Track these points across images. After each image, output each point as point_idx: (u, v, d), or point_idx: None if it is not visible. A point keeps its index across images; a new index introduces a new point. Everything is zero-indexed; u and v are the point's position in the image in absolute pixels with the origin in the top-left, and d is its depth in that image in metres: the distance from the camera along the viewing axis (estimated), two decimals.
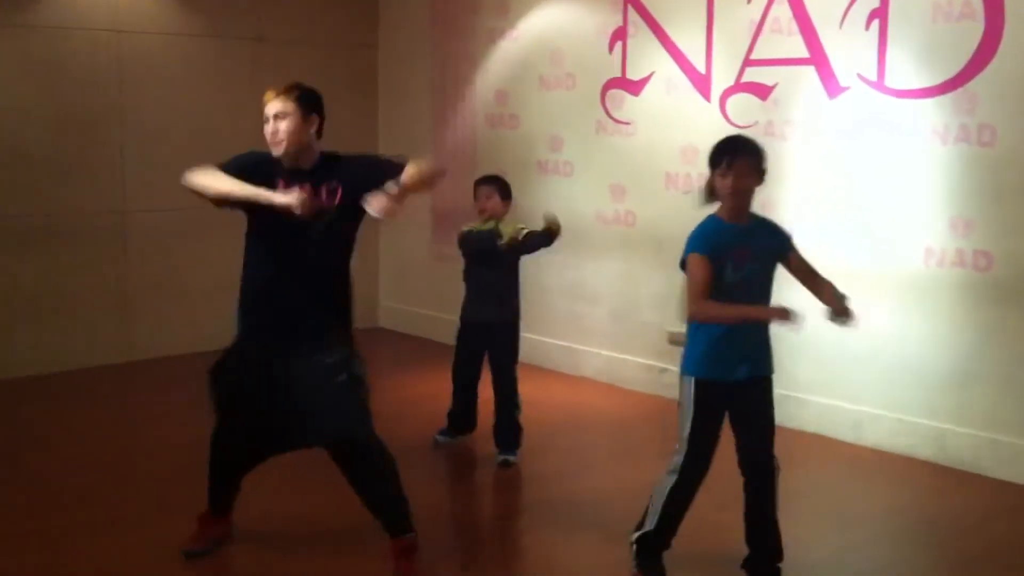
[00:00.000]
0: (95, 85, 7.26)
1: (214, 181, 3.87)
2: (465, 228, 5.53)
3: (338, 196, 3.89)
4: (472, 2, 7.78)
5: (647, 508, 3.96)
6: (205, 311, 7.81)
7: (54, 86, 7.09)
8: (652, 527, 3.93)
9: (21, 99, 6.96)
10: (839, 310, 3.78)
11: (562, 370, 7.29)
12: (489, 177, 5.59)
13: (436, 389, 6.31)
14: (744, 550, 4.03)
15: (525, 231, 5.32)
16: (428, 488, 5.03)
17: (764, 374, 3.89)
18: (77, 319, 7.27)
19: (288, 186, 3.83)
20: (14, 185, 6.97)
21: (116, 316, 7.48)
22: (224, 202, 3.90)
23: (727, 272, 3.74)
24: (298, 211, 3.68)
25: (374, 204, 3.64)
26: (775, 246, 3.90)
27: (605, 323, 7.11)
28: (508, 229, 5.36)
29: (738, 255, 3.76)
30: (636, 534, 3.98)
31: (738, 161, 3.76)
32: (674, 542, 4.00)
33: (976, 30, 5.21)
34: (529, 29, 7.43)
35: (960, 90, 5.29)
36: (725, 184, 3.77)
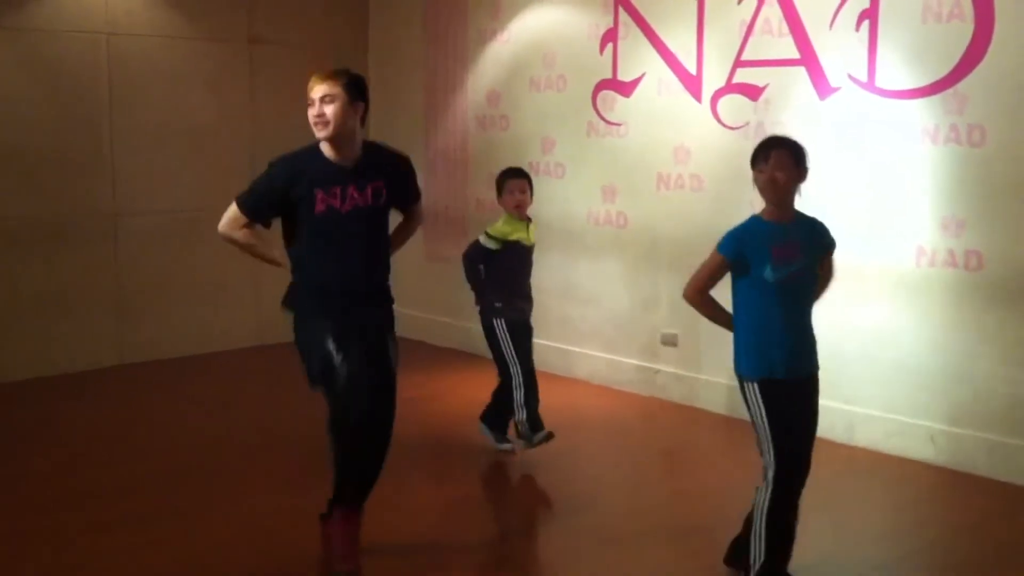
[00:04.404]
0: (88, 88, 7.25)
1: (236, 234, 4.05)
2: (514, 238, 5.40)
3: (383, 198, 4.03)
4: (463, 4, 7.78)
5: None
6: (199, 313, 7.82)
7: (47, 88, 7.08)
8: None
9: (14, 101, 6.94)
10: None
11: (556, 372, 7.28)
12: (519, 170, 5.53)
13: (432, 391, 6.32)
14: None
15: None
16: (421, 488, 5.03)
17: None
18: (71, 322, 7.25)
19: (326, 196, 3.90)
20: (7, 187, 6.95)
21: (111, 319, 7.47)
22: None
23: (767, 272, 3.75)
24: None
25: None
26: (822, 245, 3.95)
27: (598, 325, 7.11)
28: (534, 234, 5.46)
29: (779, 253, 3.77)
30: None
31: (775, 152, 3.78)
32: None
33: (966, 31, 5.22)
34: (520, 31, 7.43)
35: (950, 90, 5.30)
36: (763, 178, 3.79)
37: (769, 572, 3.82)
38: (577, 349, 7.25)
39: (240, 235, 4.04)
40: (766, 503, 3.80)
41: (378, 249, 4.11)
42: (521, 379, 5.40)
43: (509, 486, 5.34)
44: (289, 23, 8.15)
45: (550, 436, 5.41)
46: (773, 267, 3.75)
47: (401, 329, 8.55)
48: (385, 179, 4.05)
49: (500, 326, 5.39)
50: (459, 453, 5.65)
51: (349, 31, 8.56)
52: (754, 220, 3.86)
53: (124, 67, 7.38)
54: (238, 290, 7.99)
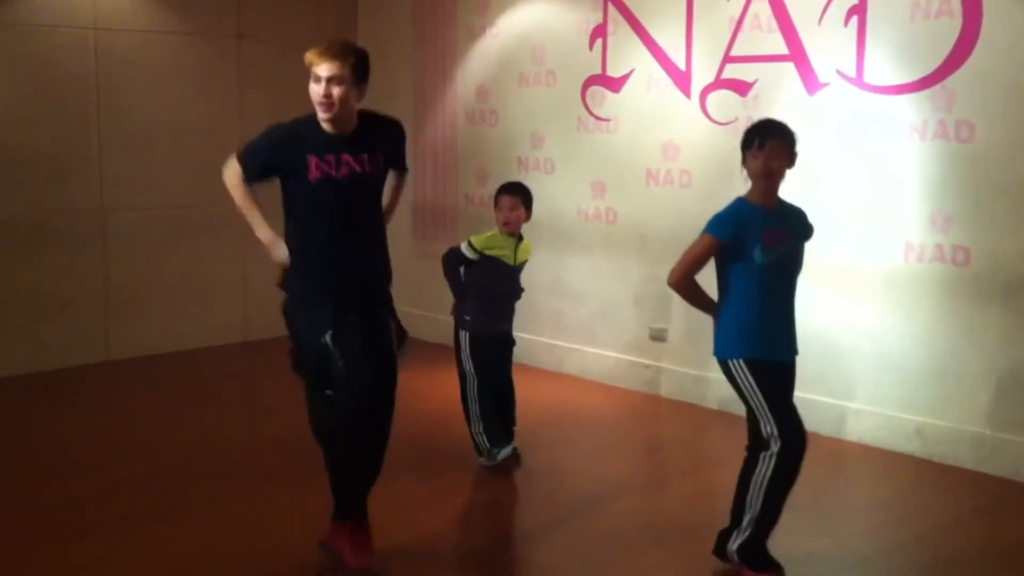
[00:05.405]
0: (75, 83, 7.21)
1: (235, 191, 4.05)
2: (492, 252, 5.24)
3: (379, 165, 4.02)
4: None
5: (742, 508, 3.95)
6: (186, 309, 7.80)
7: (34, 84, 7.05)
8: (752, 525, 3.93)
9: (0, 96, 6.91)
10: None
11: (546, 368, 7.29)
12: (514, 186, 5.36)
13: (422, 388, 6.31)
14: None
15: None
16: (413, 486, 5.02)
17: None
18: (59, 319, 7.22)
19: (320, 162, 3.87)
20: None
21: (98, 315, 7.44)
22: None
23: (755, 253, 3.79)
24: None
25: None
26: (803, 233, 3.98)
27: (588, 320, 7.12)
28: (526, 254, 5.40)
29: (769, 236, 3.81)
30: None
31: (770, 141, 3.81)
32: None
33: (954, 27, 5.23)
34: (510, 26, 7.42)
35: (938, 86, 5.32)
36: (756, 165, 3.82)
37: (755, 540, 3.90)
38: (567, 345, 7.25)
39: (238, 193, 4.03)
40: (768, 473, 3.83)
41: (374, 218, 4.08)
42: (476, 394, 5.27)
43: (499, 483, 5.33)
44: (277, 19, 8.12)
45: (514, 454, 5.29)
46: (763, 249, 3.80)
47: None
48: (380, 146, 4.03)
49: (463, 339, 5.30)
50: (449, 451, 5.63)
51: (338, 26, 8.52)
52: (743, 203, 3.89)
53: (111, 63, 7.35)
54: (226, 286, 7.97)
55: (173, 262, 7.71)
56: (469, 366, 5.29)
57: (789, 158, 3.86)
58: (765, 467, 3.84)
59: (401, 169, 4.32)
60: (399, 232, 8.33)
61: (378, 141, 4.04)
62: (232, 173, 4.04)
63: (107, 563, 4.17)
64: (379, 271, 4.12)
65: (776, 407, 3.82)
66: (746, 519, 3.91)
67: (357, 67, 3.88)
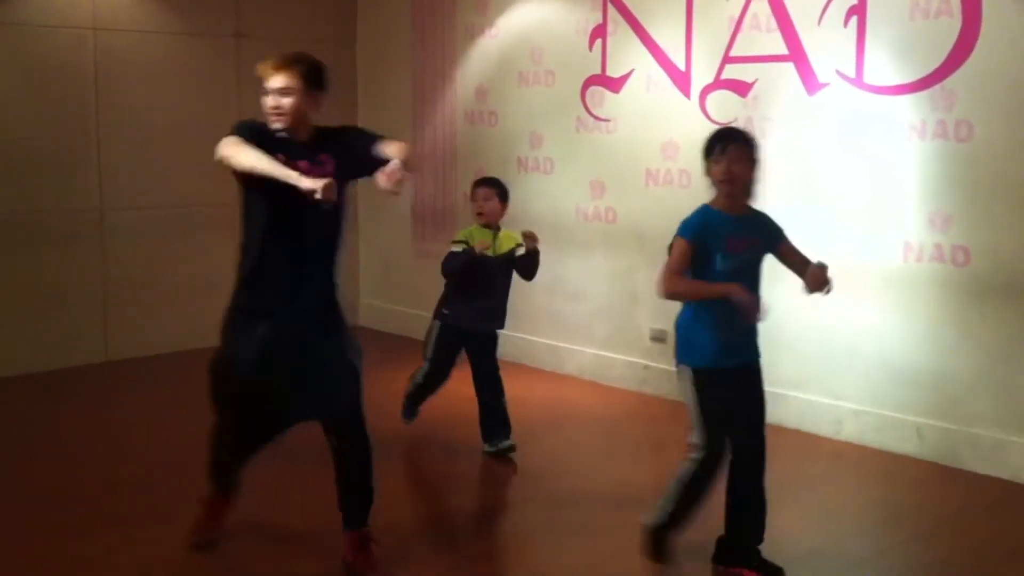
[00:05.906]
0: (74, 83, 7.21)
1: (241, 153, 3.71)
2: (479, 250, 5.30)
3: (332, 170, 3.82)
4: None
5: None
6: (185, 309, 7.79)
7: (33, 84, 7.04)
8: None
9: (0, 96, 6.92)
10: (817, 279, 3.85)
11: (545, 368, 7.29)
12: (488, 179, 5.59)
13: None
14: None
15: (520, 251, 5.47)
16: (411, 484, 5.02)
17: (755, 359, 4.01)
18: (58, 319, 7.22)
19: (289, 161, 3.72)
20: None
21: (97, 315, 7.44)
22: (247, 176, 3.76)
23: (716, 261, 3.80)
24: (320, 196, 3.54)
25: (384, 180, 3.64)
26: (769, 238, 3.97)
27: (587, 320, 7.12)
28: (508, 244, 5.45)
29: (731, 244, 3.81)
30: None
31: (731, 147, 3.81)
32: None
33: (953, 27, 5.24)
34: (509, 26, 7.43)
35: (938, 86, 5.33)
36: (718, 171, 3.82)
37: (661, 533, 4.03)
38: (566, 345, 7.25)
39: (244, 148, 3.74)
40: (688, 477, 3.95)
41: (331, 233, 3.97)
42: (422, 378, 5.56)
43: (497, 482, 5.34)
44: (276, 18, 8.12)
45: (410, 419, 5.69)
46: (724, 256, 3.81)
47: (389, 325, 8.53)
48: (337, 150, 3.90)
49: (434, 327, 5.49)
50: (447, 449, 5.64)
51: (337, 26, 8.54)
52: (707, 210, 3.90)
53: (110, 62, 7.35)
54: (224, 286, 7.92)
55: (172, 261, 7.71)
56: (429, 351, 5.50)
57: (751, 163, 3.85)
58: (686, 472, 3.96)
59: (381, 142, 3.93)
60: (398, 232, 8.34)
61: (332, 148, 3.91)
62: (228, 142, 3.79)
63: (107, 562, 4.17)
64: (328, 291, 4.01)
65: (710, 424, 3.90)
66: (661, 504, 4.02)
67: (309, 76, 3.82)
